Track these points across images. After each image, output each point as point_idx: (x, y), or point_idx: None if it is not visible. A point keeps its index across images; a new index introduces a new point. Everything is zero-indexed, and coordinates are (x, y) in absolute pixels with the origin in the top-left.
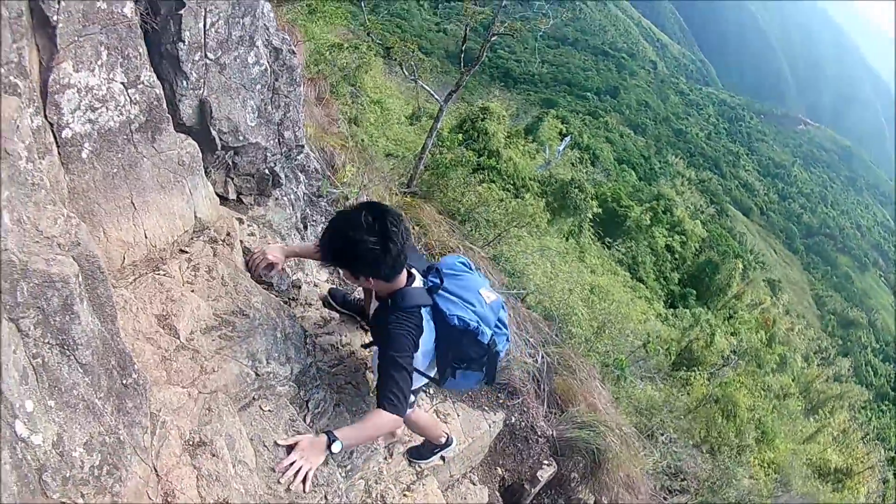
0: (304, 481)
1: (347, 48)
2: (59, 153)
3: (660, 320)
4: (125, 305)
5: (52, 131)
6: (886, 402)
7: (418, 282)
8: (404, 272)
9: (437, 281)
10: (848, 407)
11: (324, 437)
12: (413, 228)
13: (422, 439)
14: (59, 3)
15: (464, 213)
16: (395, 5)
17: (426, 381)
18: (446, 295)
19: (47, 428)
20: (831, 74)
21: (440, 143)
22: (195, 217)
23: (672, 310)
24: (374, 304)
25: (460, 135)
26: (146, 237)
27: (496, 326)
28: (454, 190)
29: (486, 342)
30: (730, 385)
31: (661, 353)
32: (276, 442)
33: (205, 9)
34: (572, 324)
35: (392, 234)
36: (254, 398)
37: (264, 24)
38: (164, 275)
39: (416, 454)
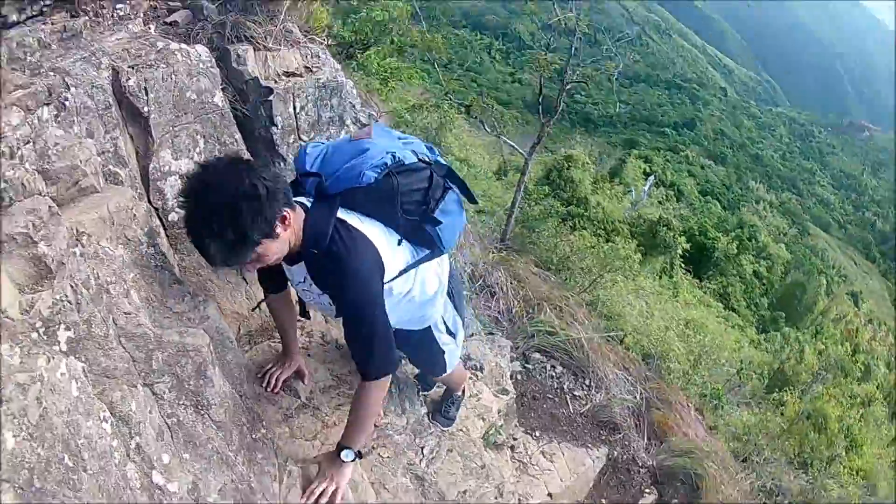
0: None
1: (429, 108)
2: (166, 235)
3: (753, 346)
4: (245, 371)
5: (158, 215)
6: None
7: (304, 202)
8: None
9: (316, 177)
10: None
11: (334, 453)
12: (511, 282)
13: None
14: (146, 94)
15: (557, 262)
16: (468, 60)
17: (437, 291)
18: (341, 175)
19: (182, 477)
20: (883, 75)
21: (528, 196)
22: None
23: (764, 334)
24: (297, 275)
25: (547, 186)
26: (259, 309)
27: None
28: (546, 241)
29: (409, 162)
30: (819, 399)
31: (756, 378)
32: (302, 462)
33: (292, 94)
34: (669, 359)
35: (247, 165)
36: (373, 447)
37: (350, 103)
38: (279, 342)
39: (443, 418)
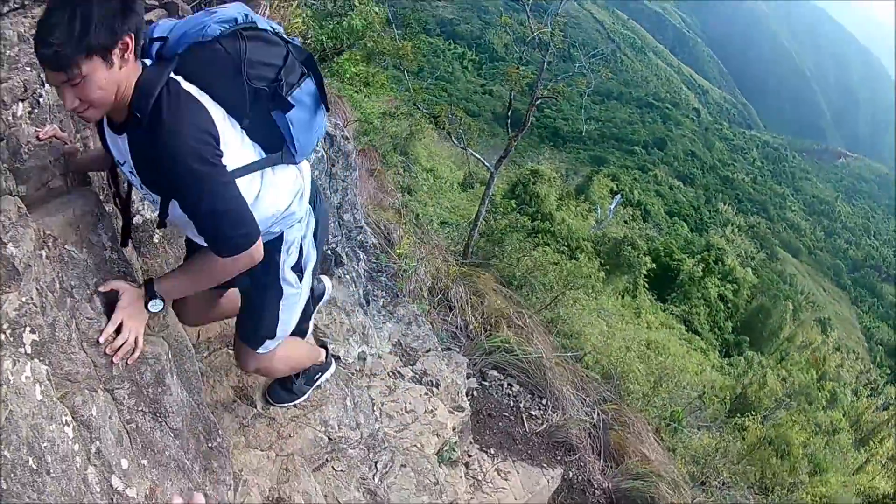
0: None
1: (400, 116)
2: (130, 239)
3: (715, 370)
4: (203, 378)
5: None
6: None
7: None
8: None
9: (161, 41)
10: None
11: (142, 293)
12: (470, 298)
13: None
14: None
15: (520, 278)
16: (440, 69)
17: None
18: (185, 32)
19: (141, 483)
20: (863, 98)
21: (493, 210)
22: None
23: (727, 358)
24: (121, 151)
25: (513, 200)
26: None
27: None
28: (510, 255)
29: (263, 27)
30: (782, 425)
31: (717, 402)
32: (96, 289)
33: None
34: (629, 380)
35: None
36: (327, 459)
37: None
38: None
39: (284, 392)
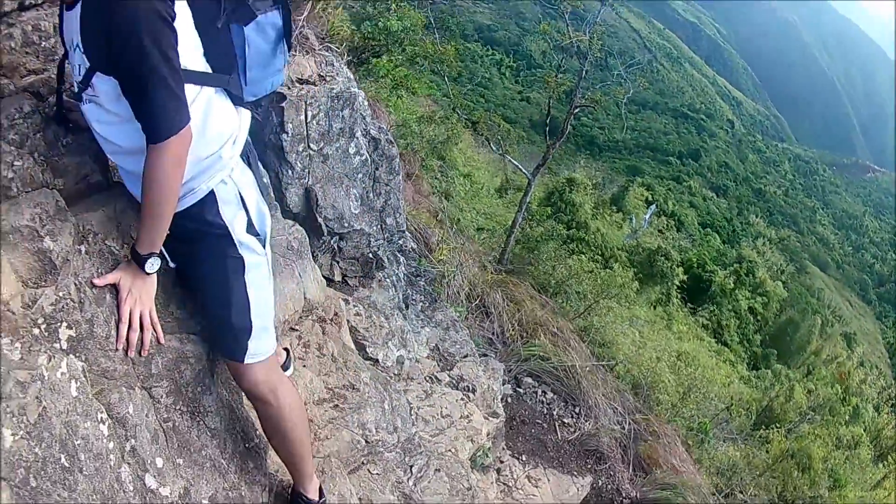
0: (141, 328)
1: (437, 120)
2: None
3: (743, 382)
4: None
5: None
6: None
7: None
8: None
9: None
10: None
11: (132, 265)
12: (507, 305)
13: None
14: None
15: (554, 286)
16: (478, 74)
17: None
18: None
19: (175, 482)
20: (890, 111)
21: (529, 217)
22: (304, 298)
23: (755, 371)
24: (72, 28)
25: (549, 207)
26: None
27: None
28: (545, 263)
29: None
30: (804, 439)
31: (743, 415)
32: (92, 282)
33: (305, 102)
34: (659, 391)
35: None
36: (363, 462)
37: (362, 115)
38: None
39: None
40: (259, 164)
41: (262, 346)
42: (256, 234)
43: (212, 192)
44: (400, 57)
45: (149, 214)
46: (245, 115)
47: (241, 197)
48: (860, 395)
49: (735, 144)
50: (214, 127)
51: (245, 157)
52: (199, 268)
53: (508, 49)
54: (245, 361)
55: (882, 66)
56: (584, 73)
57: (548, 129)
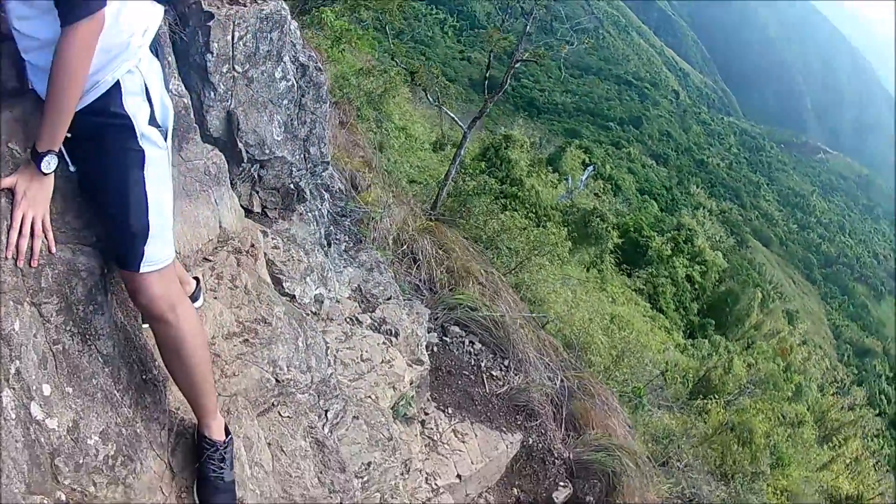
0: (32, 234)
1: (375, 73)
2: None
3: (679, 350)
4: None
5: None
6: None
7: None
8: None
9: None
10: (861, 435)
11: (31, 167)
12: (436, 252)
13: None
14: None
15: (486, 239)
16: (420, 32)
17: None
18: None
19: (63, 413)
20: (849, 99)
21: (463, 171)
22: (220, 227)
23: (691, 340)
24: None
25: (483, 162)
26: None
27: None
28: (477, 217)
29: None
30: (746, 412)
31: (679, 383)
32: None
33: (233, 22)
34: (591, 352)
35: None
36: (273, 404)
37: (291, 41)
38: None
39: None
40: (171, 58)
41: (158, 253)
42: (158, 127)
43: (117, 83)
44: (343, 6)
45: (52, 105)
46: (159, 9)
47: (147, 88)
48: (804, 373)
49: (679, 114)
50: (128, 15)
51: (154, 49)
52: (97, 163)
53: (453, 9)
54: (140, 270)
55: (842, 51)
56: (527, 28)
57: (486, 83)
